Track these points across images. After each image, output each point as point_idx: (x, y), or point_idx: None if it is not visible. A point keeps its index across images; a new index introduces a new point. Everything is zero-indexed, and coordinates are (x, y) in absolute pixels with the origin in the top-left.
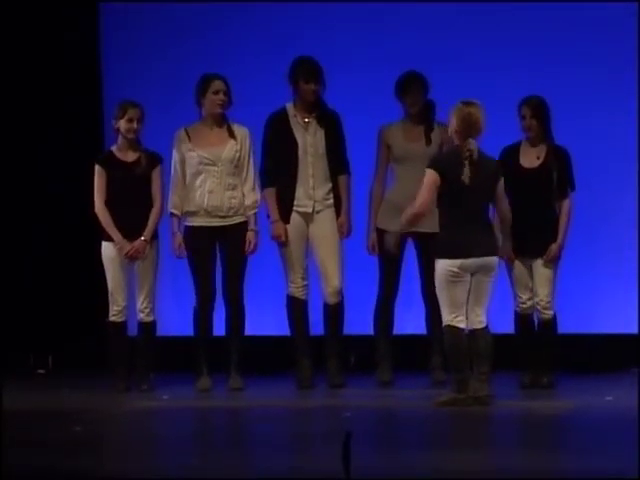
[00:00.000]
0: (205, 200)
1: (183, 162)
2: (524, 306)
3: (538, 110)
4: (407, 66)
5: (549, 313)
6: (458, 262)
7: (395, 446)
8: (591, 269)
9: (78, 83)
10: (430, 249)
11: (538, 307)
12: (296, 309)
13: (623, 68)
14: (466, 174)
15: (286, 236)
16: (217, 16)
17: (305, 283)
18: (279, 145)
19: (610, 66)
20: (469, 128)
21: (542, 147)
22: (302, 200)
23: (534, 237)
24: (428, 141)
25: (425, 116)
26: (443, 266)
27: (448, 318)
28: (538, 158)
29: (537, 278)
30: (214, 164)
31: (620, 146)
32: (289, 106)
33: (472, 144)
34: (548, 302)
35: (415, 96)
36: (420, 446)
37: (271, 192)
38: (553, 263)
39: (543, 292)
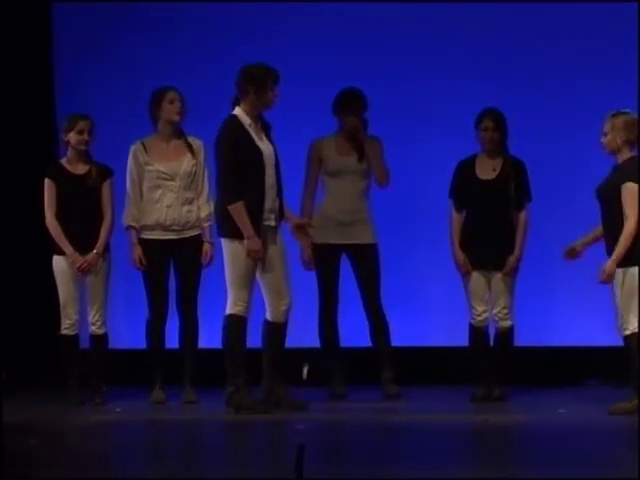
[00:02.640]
0: (164, 215)
1: (140, 175)
2: (479, 318)
3: (500, 122)
4: (340, 81)
5: (508, 323)
6: None
7: (347, 458)
8: (543, 284)
9: (31, 94)
10: (365, 262)
11: (497, 317)
12: (244, 329)
13: (623, 69)
14: None
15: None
16: (167, 29)
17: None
18: (244, 156)
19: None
20: (638, 135)
21: (499, 159)
22: (267, 213)
23: (491, 249)
24: (360, 156)
25: (359, 132)
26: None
27: (635, 325)
28: (494, 170)
29: (496, 289)
30: (172, 179)
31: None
32: (240, 113)
33: None
34: (507, 313)
35: (355, 113)
36: (371, 459)
37: (240, 206)
38: (511, 275)
39: (502, 303)
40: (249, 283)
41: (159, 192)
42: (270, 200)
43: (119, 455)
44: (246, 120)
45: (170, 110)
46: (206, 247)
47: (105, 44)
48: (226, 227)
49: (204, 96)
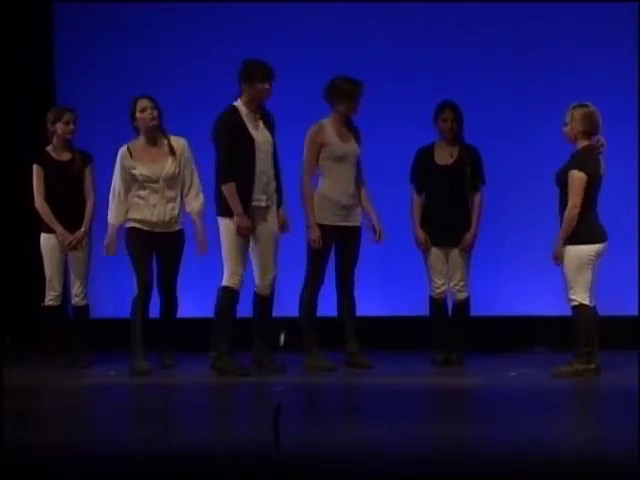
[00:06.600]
0: (149, 213)
1: (125, 178)
2: (438, 291)
3: (459, 113)
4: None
5: (463, 295)
6: (597, 247)
7: (320, 416)
8: (496, 259)
9: (31, 91)
10: (354, 241)
11: (454, 289)
12: (235, 301)
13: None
14: (603, 167)
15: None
16: (156, 28)
17: (243, 274)
18: (237, 142)
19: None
20: (595, 126)
21: (456, 147)
22: (257, 195)
23: (449, 227)
24: (358, 142)
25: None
26: (586, 251)
27: (583, 297)
28: (451, 156)
29: (453, 264)
30: (156, 181)
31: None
32: (239, 105)
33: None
34: (463, 285)
35: (358, 104)
36: (342, 417)
37: (232, 186)
38: (467, 251)
39: (459, 276)
40: (242, 258)
41: (145, 192)
42: (261, 183)
43: (111, 413)
44: (244, 110)
45: (144, 118)
46: (200, 237)
47: (104, 43)
48: (221, 206)
49: (205, 91)
